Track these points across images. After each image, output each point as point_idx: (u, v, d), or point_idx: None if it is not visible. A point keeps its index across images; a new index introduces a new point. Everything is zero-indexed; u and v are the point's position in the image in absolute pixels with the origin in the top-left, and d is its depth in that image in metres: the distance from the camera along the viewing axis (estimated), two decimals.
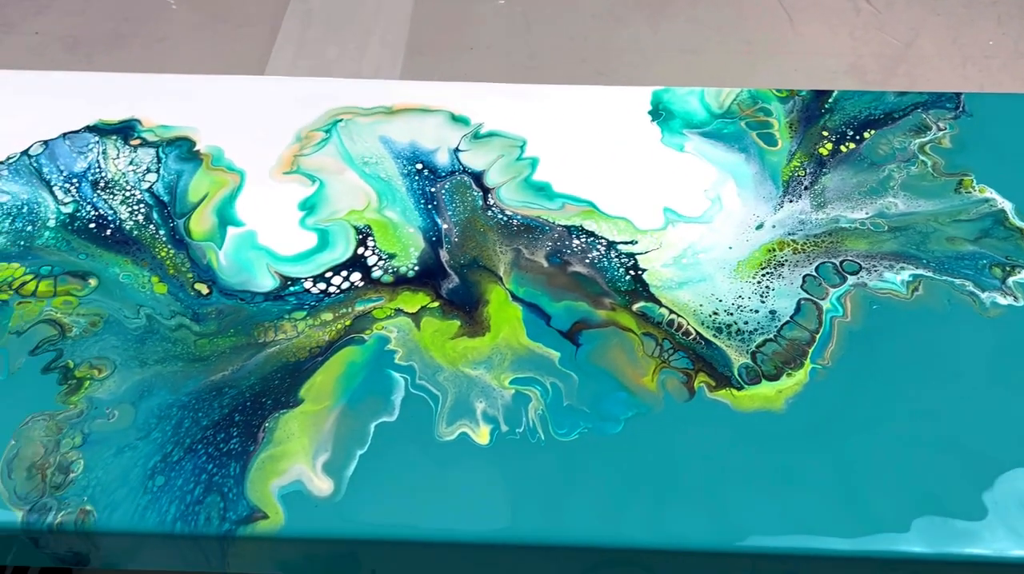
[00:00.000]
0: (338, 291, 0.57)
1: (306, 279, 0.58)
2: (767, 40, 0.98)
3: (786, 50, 0.97)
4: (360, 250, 0.59)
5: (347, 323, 0.55)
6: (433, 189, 0.63)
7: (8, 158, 0.64)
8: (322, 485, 0.48)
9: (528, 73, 0.93)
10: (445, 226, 0.61)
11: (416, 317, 0.56)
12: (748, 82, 0.73)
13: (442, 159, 0.65)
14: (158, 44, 0.95)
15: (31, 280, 0.57)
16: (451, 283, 0.58)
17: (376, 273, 0.58)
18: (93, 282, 0.57)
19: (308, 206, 0.62)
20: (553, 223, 0.61)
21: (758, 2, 1.03)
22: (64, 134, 0.66)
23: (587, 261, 0.59)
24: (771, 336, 0.55)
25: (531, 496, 0.48)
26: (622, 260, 0.59)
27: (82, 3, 1.01)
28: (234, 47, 0.96)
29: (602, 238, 0.60)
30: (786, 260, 0.59)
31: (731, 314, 0.56)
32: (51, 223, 0.60)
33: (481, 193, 0.63)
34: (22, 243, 0.59)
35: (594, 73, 0.93)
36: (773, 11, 1.02)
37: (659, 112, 0.69)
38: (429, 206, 0.62)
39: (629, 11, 1.02)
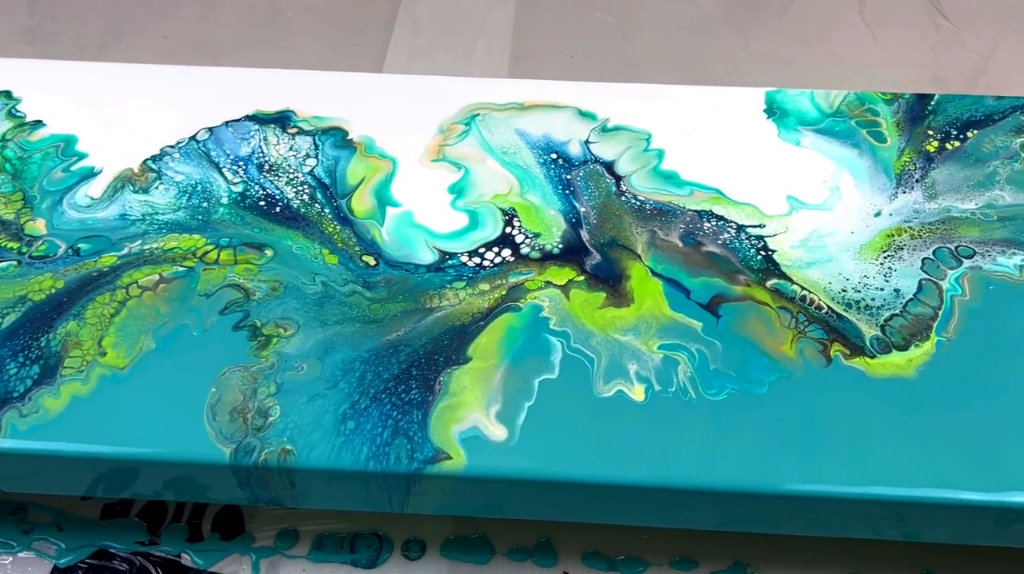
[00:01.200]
0: (491, 265, 0.62)
1: (462, 254, 0.63)
2: (852, 53, 1.03)
3: (871, 62, 1.01)
4: (508, 229, 0.64)
5: (503, 293, 0.60)
6: (569, 176, 0.68)
7: (177, 142, 0.70)
8: (497, 431, 0.53)
9: (628, 79, 0.99)
10: (583, 209, 0.66)
11: (564, 289, 0.60)
12: (841, 89, 0.77)
13: (574, 150, 0.70)
14: (279, 49, 1.02)
15: (212, 250, 0.63)
16: (594, 260, 0.62)
17: (524, 250, 0.63)
18: (269, 252, 0.62)
19: (456, 190, 0.67)
20: (684, 207, 0.66)
21: (841, 18, 1.08)
22: (226, 122, 0.72)
23: (719, 242, 0.64)
24: (897, 311, 0.59)
25: (687, 446, 0.52)
26: (752, 242, 0.64)
27: (205, 10, 1.08)
28: (350, 51, 1.02)
29: (731, 222, 0.65)
30: (905, 245, 0.63)
31: (858, 291, 0.60)
32: (224, 200, 0.66)
33: (613, 180, 0.68)
34: (200, 217, 0.65)
35: (691, 80, 0.97)
36: (855, 26, 1.07)
37: (773, 110, 0.74)
38: (566, 191, 0.67)
39: (719, 25, 1.07)
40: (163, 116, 0.73)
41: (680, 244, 0.64)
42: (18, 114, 0.72)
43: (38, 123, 0.72)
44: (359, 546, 0.60)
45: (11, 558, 0.59)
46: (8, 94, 0.74)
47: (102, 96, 0.74)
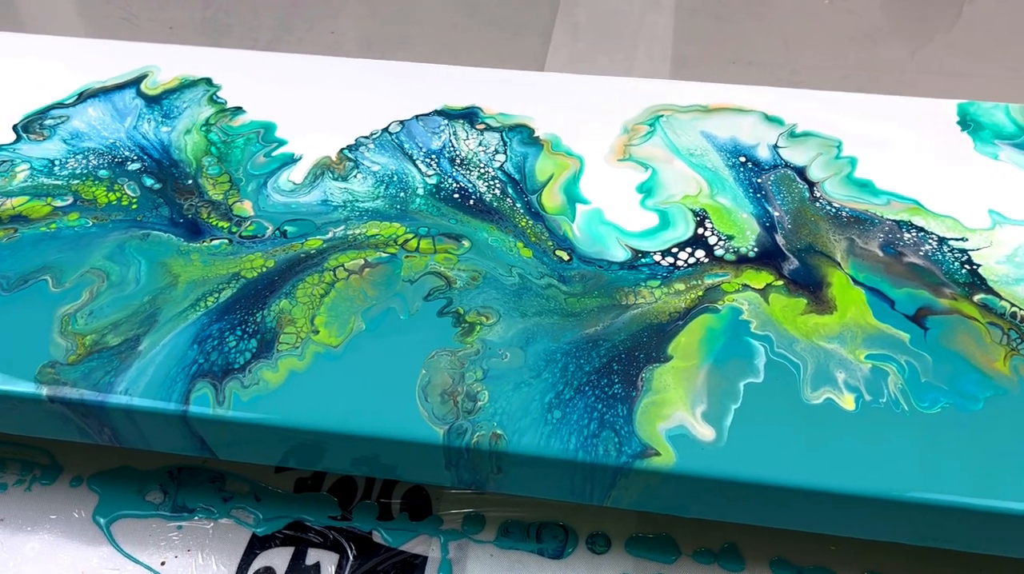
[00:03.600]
0: (686, 265, 0.62)
1: (655, 253, 0.63)
2: None
3: None
4: (700, 230, 0.64)
5: (699, 293, 0.60)
6: (759, 180, 0.68)
7: (371, 133, 0.73)
8: (704, 431, 0.53)
9: (792, 87, 0.97)
10: (776, 213, 0.65)
11: (763, 293, 0.60)
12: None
13: (763, 154, 0.70)
14: (442, 47, 1.04)
15: (412, 238, 0.64)
16: (791, 265, 0.62)
17: (718, 251, 0.63)
18: (466, 243, 0.64)
19: (645, 190, 0.68)
20: (881, 217, 0.65)
21: (1016, 28, 1.05)
22: (416, 116, 0.74)
23: (921, 253, 0.62)
24: None
25: (903, 458, 0.51)
26: (955, 255, 0.62)
27: (370, 8, 1.11)
28: (511, 52, 1.04)
29: (932, 233, 0.63)
30: None
31: None
32: (420, 191, 0.68)
33: (806, 186, 0.67)
34: (398, 207, 0.67)
35: (857, 90, 0.95)
36: None
37: (967, 123, 0.72)
38: (758, 195, 0.67)
39: (885, 35, 1.05)
40: (353, 106, 0.75)
41: (880, 254, 0.62)
42: (219, 100, 0.76)
43: (238, 110, 0.75)
44: (545, 536, 0.61)
45: (212, 523, 0.62)
46: (209, 81, 0.78)
47: (295, 86, 0.78)
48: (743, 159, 0.70)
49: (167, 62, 0.80)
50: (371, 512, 0.62)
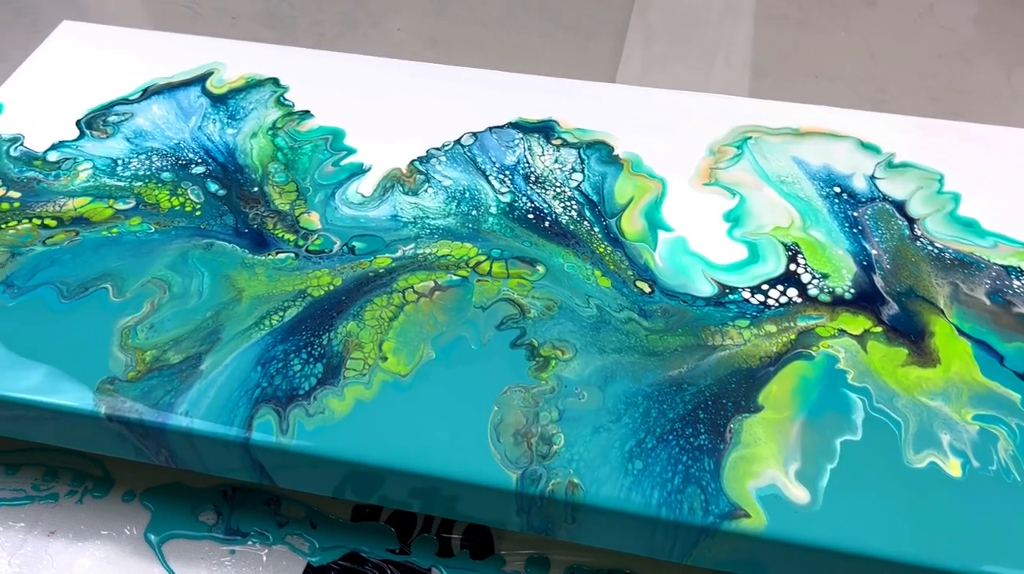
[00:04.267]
0: (777, 304, 0.58)
1: (743, 289, 0.59)
2: None
3: None
4: (792, 266, 0.60)
5: (792, 337, 0.56)
6: (856, 213, 0.64)
7: (443, 145, 0.70)
8: (798, 493, 0.49)
9: (879, 107, 0.92)
10: (874, 251, 0.61)
11: (861, 339, 0.56)
12: None
13: (859, 184, 0.66)
14: (511, 49, 1.01)
15: (484, 261, 0.61)
16: (891, 310, 0.58)
17: (812, 291, 0.59)
18: (541, 269, 0.61)
19: (732, 218, 0.64)
20: (988, 261, 0.60)
21: None
22: (490, 128, 0.71)
23: None
24: None
25: (1012, 533, 0.47)
26: None
27: (437, 5, 1.08)
28: (582, 56, 1.00)
29: None
30: None
31: None
32: (493, 210, 0.65)
33: (906, 222, 0.63)
34: (470, 225, 0.64)
35: (948, 114, 0.90)
36: None
37: None
38: (854, 230, 0.63)
39: (978, 55, 0.99)
40: (424, 114, 0.72)
41: (987, 302, 0.58)
42: (287, 103, 0.73)
43: (306, 114, 0.72)
44: None
45: (267, 550, 0.59)
46: (276, 81, 0.75)
47: (365, 89, 0.75)
48: (837, 189, 0.65)
49: (233, 58, 0.78)
50: (430, 547, 0.60)
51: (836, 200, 0.65)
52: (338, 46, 1.02)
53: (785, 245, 0.62)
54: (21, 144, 0.70)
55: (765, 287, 0.59)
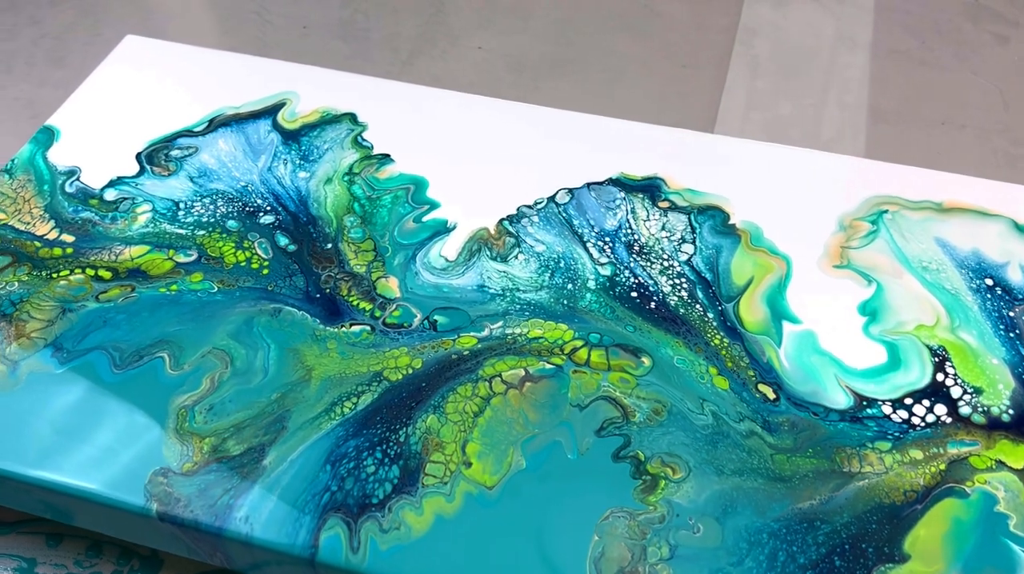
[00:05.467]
0: (923, 424, 0.50)
1: (883, 402, 0.51)
2: None
3: None
4: (939, 376, 0.52)
5: (941, 467, 0.48)
6: (1012, 313, 0.55)
7: (536, 203, 0.62)
8: None
9: (1013, 164, 0.83)
10: None
11: (1023, 475, 0.48)
12: None
13: (1015, 277, 0.57)
14: (602, 74, 0.93)
15: (582, 347, 0.54)
16: None
17: (963, 409, 0.51)
18: (647, 361, 0.53)
19: (869, 311, 0.56)
20: None
21: None
22: (588, 184, 0.64)
23: None
24: None
25: None
26: None
27: (521, 21, 1.00)
28: (680, 88, 0.92)
29: None
30: None
31: None
32: (591, 284, 0.57)
33: None
34: (565, 302, 0.57)
35: None
36: None
37: None
38: (1010, 334, 0.54)
39: None
40: (514, 162, 0.65)
41: None
42: (365, 143, 0.67)
43: (386, 158, 0.66)
44: None
45: None
46: (353, 117, 0.69)
47: (450, 131, 0.68)
48: (990, 282, 0.57)
49: (306, 85, 0.71)
50: None
51: (988, 295, 0.56)
52: (415, 65, 0.95)
53: (931, 349, 0.53)
54: (77, 179, 0.64)
55: (908, 401, 0.51)
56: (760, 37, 0.95)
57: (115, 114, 0.69)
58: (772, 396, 0.52)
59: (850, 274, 0.58)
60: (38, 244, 0.60)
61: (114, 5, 1.05)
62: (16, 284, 0.57)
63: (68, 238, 0.60)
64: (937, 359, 0.53)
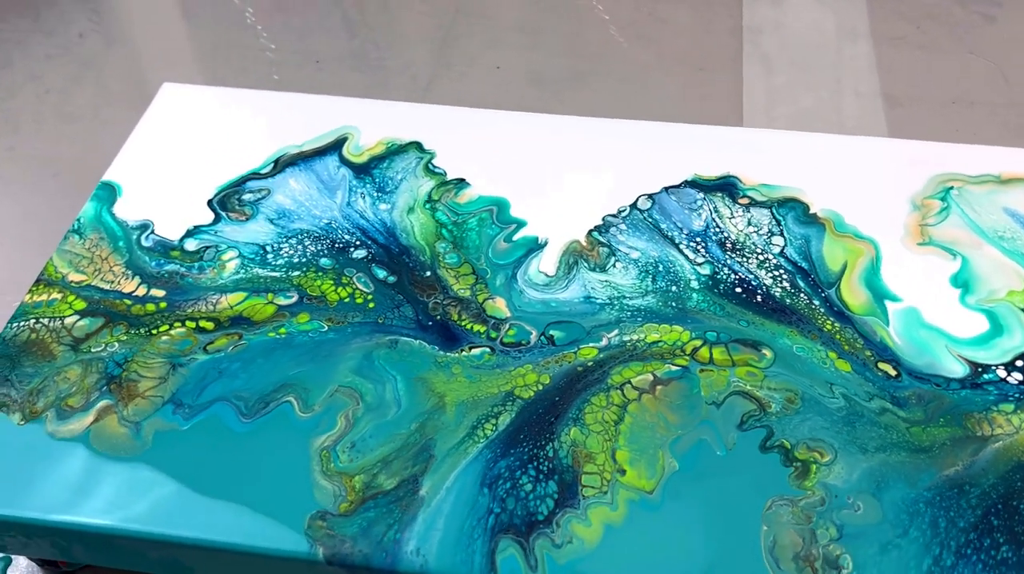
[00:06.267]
0: None
1: (996, 366, 0.54)
2: None
3: None
4: None
5: None
6: None
7: (619, 211, 0.64)
8: None
9: (1019, 134, 0.87)
10: None
11: None
12: None
13: None
14: (621, 84, 0.95)
15: (702, 346, 0.55)
16: None
17: None
18: (768, 353, 0.55)
19: (961, 283, 0.58)
20: None
21: None
22: (665, 188, 0.65)
23: None
24: None
25: None
26: None
27: (532, 38, 1.02)
28: (700, 91, 0.94)
29: None
30: None
31: None
32: (694, 284, 0.59)
33: None
34: (673, 304, 0.58)
35: None
36: None
37: None
38: None
39: None
40: (584, 173, 0.66)
41: None
42: (437, 170, 0.67)
43: (462, 182, 0.66)
44: None
45: None
46: (419, 145, 0.69)
47: (512, 148, 0.68)
48: None
49: (360, 119, 0.71)
50: None
51: None
52: (435, 89, 0.96)
53: None
54: (152, 232, 0.63)
55: (1021, 363, 0.54)
56: (766, 35, 0.98)
57: (172, 163, 0.68)
58: (894, 373, 0.54)
59: (934, 250, 0.60)
60: (128, 302, 0.59)
61: (115, 54, 1.03)
62: (116, 344, 0.56)
63: (158, 292, 0.59)
64: None
